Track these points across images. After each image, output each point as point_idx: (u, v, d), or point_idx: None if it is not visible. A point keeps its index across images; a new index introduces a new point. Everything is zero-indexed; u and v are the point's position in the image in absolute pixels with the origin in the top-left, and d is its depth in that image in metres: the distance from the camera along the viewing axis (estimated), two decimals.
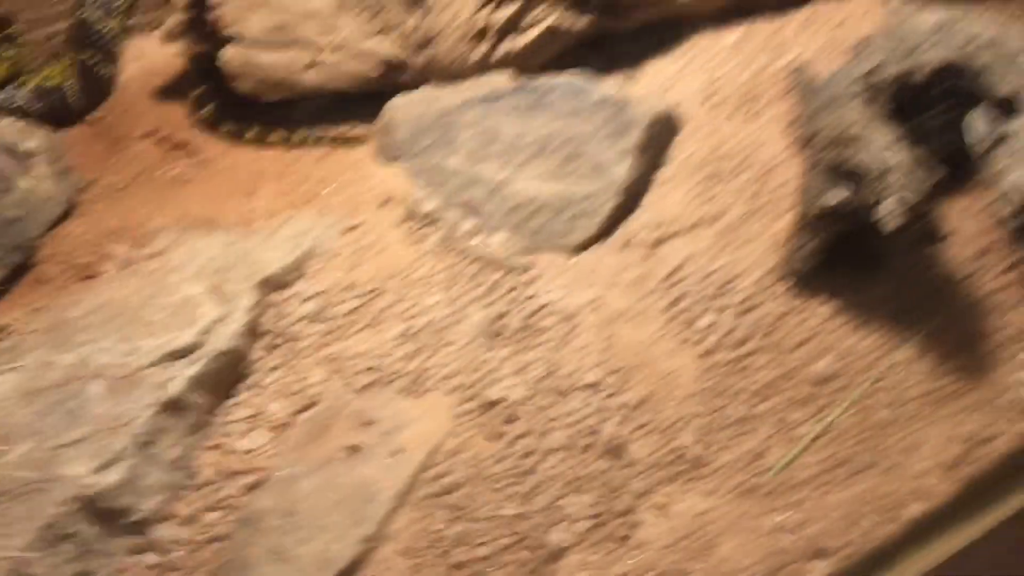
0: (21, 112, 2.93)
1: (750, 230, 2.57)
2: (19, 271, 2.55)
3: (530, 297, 2.57)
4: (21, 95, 2.97)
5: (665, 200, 2.69)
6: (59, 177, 2.74)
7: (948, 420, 2.21)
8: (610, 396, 2.32)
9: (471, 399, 2.35)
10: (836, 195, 2.27)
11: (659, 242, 2.60)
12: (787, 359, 2.34)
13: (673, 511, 2.13)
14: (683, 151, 2.78)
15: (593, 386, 2.34)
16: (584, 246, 2.65)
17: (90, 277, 2.59)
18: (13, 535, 1.89)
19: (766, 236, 2.55)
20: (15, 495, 1.96)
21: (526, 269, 2.64)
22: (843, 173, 2.29)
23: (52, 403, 2.13)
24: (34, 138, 2.72)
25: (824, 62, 2.81)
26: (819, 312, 2.41)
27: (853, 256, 2.41)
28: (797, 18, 3.03)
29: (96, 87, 3.12)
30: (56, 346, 2.26)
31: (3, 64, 2.91)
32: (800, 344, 2.36)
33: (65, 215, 2.76)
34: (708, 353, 2.38)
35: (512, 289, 2.60)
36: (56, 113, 3.03)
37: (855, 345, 2.35)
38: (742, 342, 2.39)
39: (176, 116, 3.12)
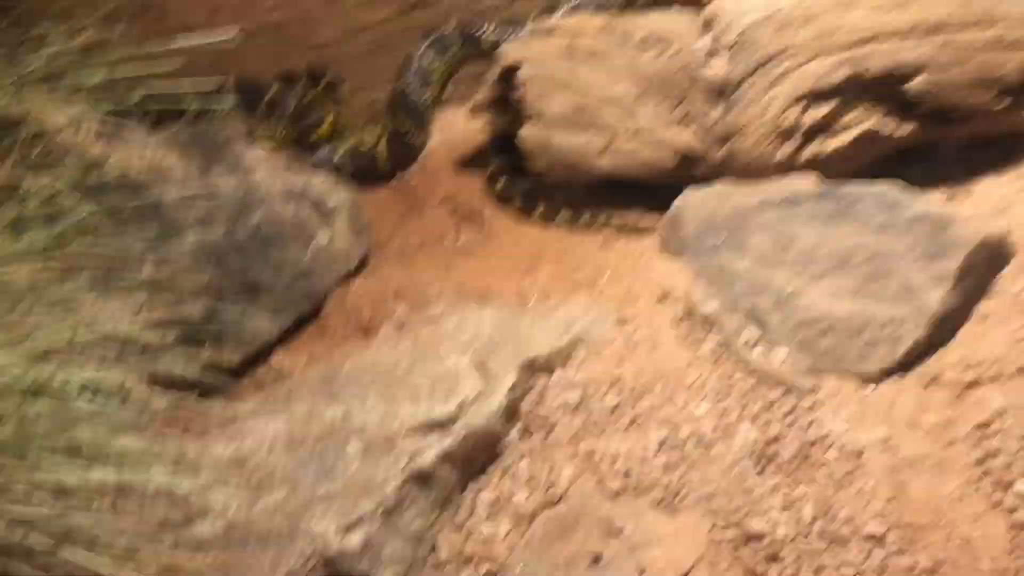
0: (335, 170, 3.12)
1: None
2: (305, 319, 2.66)
3: (810, 423, 2.32)
4: (337, 154, 3.17)
5: (985, 337, 2.34)
6: (356, 234, 2.87)
7: None
8: (895, 554, 2.01)
9: (730, 526, 2.13)
10: None
11: (973, 385, 2.26)
12: None
13: None
14: (1014, 284, 2.42)
15: (875, 538, 2.04)
16: (880, 376, 2.35)
17: (368, 333, 2.66)
18: None
19: None
20: (263, 542, 1.99)
21: (809, 392, 2.39)
22: None
23: (311, 455, 2.17)
24: (339, 195, 2.87)
25: None
26: None
27: None
28: None
29: (404, 153, 3.27)
30: (325, 398, 2.31)
31: (327, 124, 3.12)
32: None
33: (356, 271, 2.87)
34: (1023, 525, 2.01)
35: (791, 411, 2.36)
36: (365, 173, 3.20)
37: None
38: None
39: (472, 187, 3.19)
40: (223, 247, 2.50)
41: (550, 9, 3.26)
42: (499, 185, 3.07)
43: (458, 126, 3.36)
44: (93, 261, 2.18)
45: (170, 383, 2.22)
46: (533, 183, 3.00)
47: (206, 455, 2.13)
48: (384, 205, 3.20)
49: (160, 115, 2.89)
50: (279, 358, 2.57)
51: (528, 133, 2.87)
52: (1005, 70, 2.68)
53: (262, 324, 2.51)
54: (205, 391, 2.37)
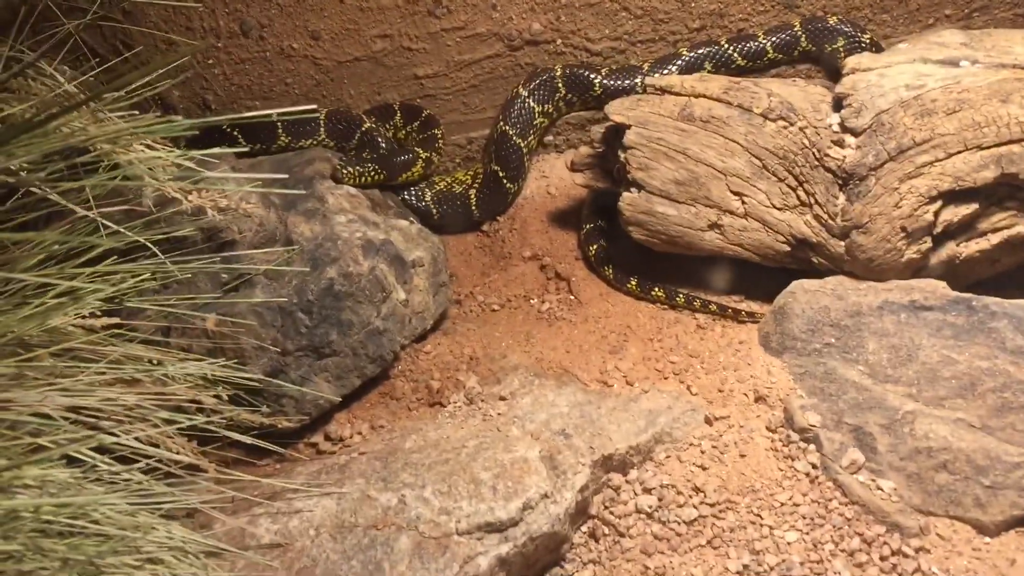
0: (422, 214, 2.95)
1: None
2: (372, 383, 2.50)
3: (915, 571, 2.08)
4: (427, 196, 3.00)
5: None
6: (436, 290, 2.69)
7: None
8: None
9: None
10: None
11: None
12: None
13: None
14: None
15: None
16: (1006, 525, 2.10)
17: (437, 404, 2.48)
18: None
19: None
20: None
21: (916, 534, 2.13)
22: None
23: (358, 546, 2.02)
24: (421, 248, 2.69)
25: None
26: None
27: None
28: None
29: (498, 199, 3.09)
30: (380, 480, 2.15)
31: (419, 166, 2.95)
32: None
33: (432, 329, 2.70)
34: None
35: (894, 553, 2.12)
36: (454, 220, 3.03)
37: None
38: None
39: (564, 245, 2.99)
40: (292, 304, 2.35)
41: (667, 59, 3.03)
42: (592, 249, 2.86)
43: (556, 176, 3.16)
44: (155, 318, 2.07)
45: (223, 447, 2.11)
46: (630, 251, 2.78)
47: (248, 537, 1.99)
48: (470, 255, 3.03)
49: (249, 145, 2.80)
50: (340, 424, 2.41)
51: (630, 201, 2.65)
52: None
53: (325, 388, 2.35)
54: (259, 455, 2.26)
